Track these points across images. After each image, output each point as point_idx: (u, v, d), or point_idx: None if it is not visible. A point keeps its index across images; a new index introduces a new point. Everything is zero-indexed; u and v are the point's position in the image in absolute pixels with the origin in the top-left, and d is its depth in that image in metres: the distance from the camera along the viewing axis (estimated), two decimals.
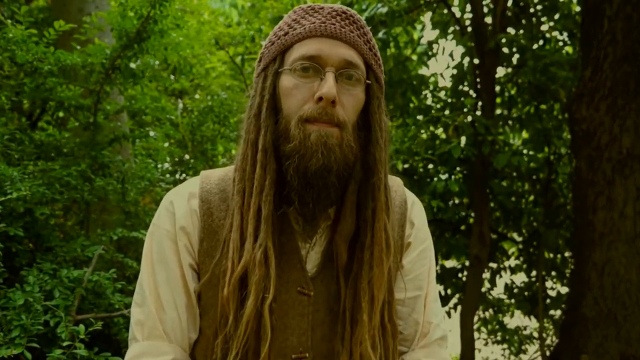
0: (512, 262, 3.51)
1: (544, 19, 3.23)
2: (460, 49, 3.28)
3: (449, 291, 3.30)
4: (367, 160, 0.76)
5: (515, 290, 3.43)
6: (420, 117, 3.11)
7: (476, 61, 3.06)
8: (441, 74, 3.44)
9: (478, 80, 3.06)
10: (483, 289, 3.33)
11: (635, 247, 2.42)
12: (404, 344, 0.86)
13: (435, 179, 2.92)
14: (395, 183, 0.88)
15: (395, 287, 0.83)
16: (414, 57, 3.53)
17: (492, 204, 3.21)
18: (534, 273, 3.36)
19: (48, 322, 1.42)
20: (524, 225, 3.31)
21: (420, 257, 0.86)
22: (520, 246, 3.45)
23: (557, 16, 3.18)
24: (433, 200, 2.66)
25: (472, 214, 3.11)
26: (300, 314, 0.77)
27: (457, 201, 3.20)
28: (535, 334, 3.48)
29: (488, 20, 3.09)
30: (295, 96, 0.74)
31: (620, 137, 2.47)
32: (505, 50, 3.07)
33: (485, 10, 3.08)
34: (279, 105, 0.76)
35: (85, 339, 1.34)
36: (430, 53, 3.46)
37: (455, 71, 3.28)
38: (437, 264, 3.26)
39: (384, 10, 2.73)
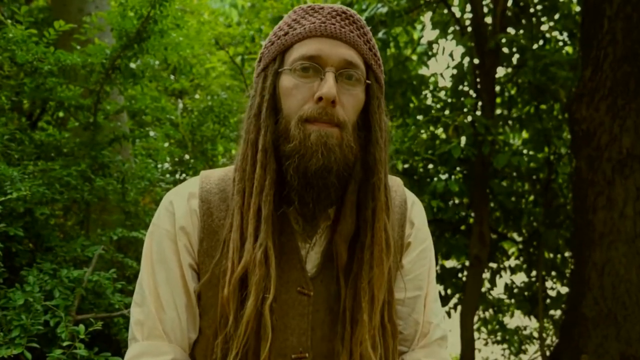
0: (512, 262, 3.51)
1: (544, 19, 3.23)
2: (460, 49, 3.28)
3: (449, 291, 3.30)
4: (367, 160, 0.76)
5: (515, 290, 3.43)
6: (420, 117, 3.10)
7: (476, 61, 3.06)
8: (441, 74, 3.44)
9: (478, 80, 3.06)
10: (483, 289, 3.33)
11: (635, 247, 2.42)
12: (404, 344, 0.86)
13: (435, 179, 2.91)
14: (395, 183, 0.88)
15: (395, 287, 0.83)
16: (414, 57, 3.52)
17: (492, 204, 3.21)
18: (534, 273, 3.36)
19: (48, 322, 1.42)
20: (524, 225, 3.30)
21: (420, 257, 0.86)
22: (520, 246, 3.45)
23: (557, 16, 3.17)
24: (433, 200, 2.66)
25: (472, 214, 3.11)
26: (300, 314, 0.77)
27: (457, 201, 3.19)
28: (535, 334, 3.47)
29: (488, 20, 3.09)
30: (295, 96, 0.74)
31: (620, 137, 2.47)
32: (505, 50, 3.07)
33: (485, 10, 3.08)
34: (279, 105, 0.76)
35: (85, 339, 1.34)
36: (430, 53, 3.45)
37: (455, 71, 3.28)
38: (437, 264, 3.25)
39: (384, 10, 2.72)
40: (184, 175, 2.73)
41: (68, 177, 1.81)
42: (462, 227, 3.26)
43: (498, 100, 3.23)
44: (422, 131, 2.98)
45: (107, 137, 2.13)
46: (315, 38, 0.75)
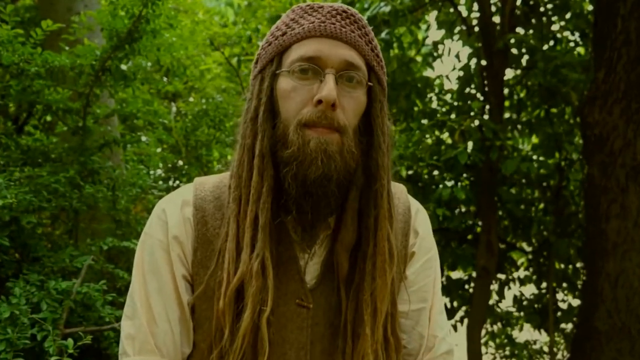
0: (522, 273, 3.44)
1: (554, 18, 3.18)
2: (467, 50, 3.22)
3: (455, 303, 3.24)
4: (369, 166, 0.75)
5: (525, 303, 3.37)
6: (425, 121, 3.06)
7: (484, 63, 3.00)
8: (447, 76, 3.38)
9: (486, 82, 3.00)
10: (491, 301, 3.27)
11: None
12: (408, 358, 0.84)
13: (441, 186, 2.87)
14: (399, 190, 0.86)
15: (399, 299, 0.81)
16: (419, 59, 3.48)
17: (500, 212, 3.16)
18: (544, 284, 3.30)
19: (35, 335, 1.39)
20: (534, 234, 3.24)
21: (424, 268, 0.84)
22: (530, 256, 3.39)
23: (568, 15, 3.12)
24: (438, 208, 2.60)
25: (480, 223, 3.06)
26: (299, 327, 0.75)
27: (463, 209, 3.14)
28: (546, 349, 3.41)
29: (496, 19, 3.03)
30: (294, 99, 0.72)
31: (635, 142, 2.41)
32: (514, 51, 3.01)
33: (493, 9, 3.03)
34: (276, 108, 0.74)
35: (74, 353, 1.31)
36: (435, 54, 3.40)
37: (461, 73, 3.22)
38: (442, 274, 3.20)
39: (387, 9, 2.70)
40: (177, 182, 2.72)
41: (56, 184, 1.77)
42: (469, 237, 3.21)
43: (506, 103, 3.18)
44: (427, 136, 2.93)
45: (96, 142, 2.09)
46: (314, 38, 0.73)
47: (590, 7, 3.11)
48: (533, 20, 3.11)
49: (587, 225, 2.62)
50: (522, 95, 3.35)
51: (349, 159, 0.71)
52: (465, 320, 3.14)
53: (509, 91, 3.23)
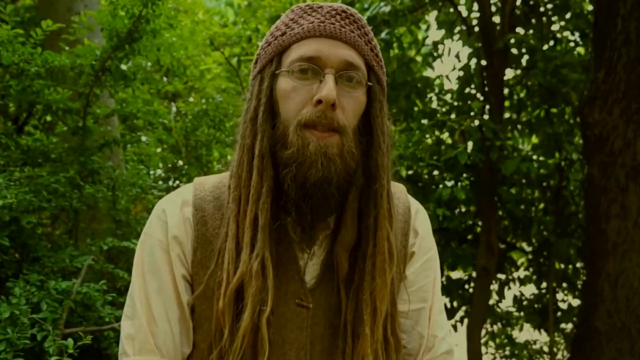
0: (522, 273, 3.43)
1: (554, 18, 3.17)
2: (467, 50, 3.21)
3: (455, 303, 3.23)
4: (369, 166, 0.75)
5: (525, 303, 3.36)
6: (425, 121, 3.05)
7: (484, 63, 3.00)
8: (447, 76, 3.37)
9: (486, 82, 3.00)
10: (491, 301, 3.26)
11: None
12: (408, 358, 0.84)
13: (441, 186, 2.86)
14: (399, 190, 0.86)
15: (399, 299, 0.81)
16: (419, 59, 3.47)
17: (500, 212, 3.15)
18: (544, 284, 3.29)
19: (35, 335, 1.39)
20: (534, 234, 3.23)
21: (424, 268, 0.84)
22: (530, 256, 3.38)
23: (568, 15, 3.12)
24: (438, 208, 2.59)
25: (480, 223, 3.05)
26: (299, 327, 0.75)
27: (463, 209, 3.13)
28: (546, 349, 3.40)
29: (496, 19, 3.02)
30: (294, 99, 0.72)
31: (635, 142, 2.41)
32: (514, 51, 3.01)
33: (493, 9, 3.02)
34: (276, 108, 0.74)
35: (74, 353, 1.30)
36: (435, 54, 3.39)
37: (461, 73, 3.21)
38: (442, 274, 3.19)
39: (387, 9, 2.69)
40: (177, 182, 2.70)
41: (56, 184, 1.77)
42: (469, 237, 3.20)
43: (506, 103, 3.17)
44: (427, 136, 2.92)
45: (96, 142, 2.08)
46: (314, 38, 0.73)
47: (590, 7, 3.10)
48: (533, 20, 3.10)
49: (587, 225, 2.62)
50: (522, 95, 3.34)
51: (349, 160, 0.71)
52: (465, 320, 3.14)
53: (509, 91, 3.22)
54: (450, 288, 3.21)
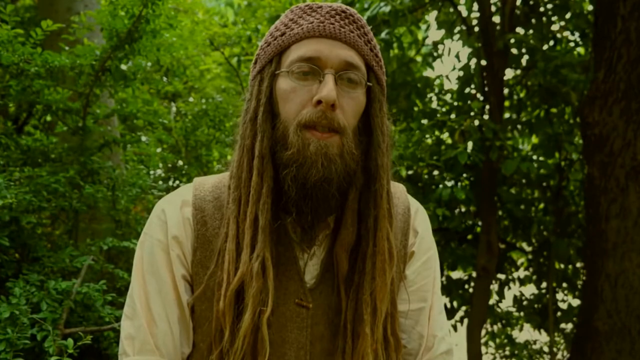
0: (522, 273, 3.43)
1: (554, 18, 3.16)
2: (467, 50, 3.21)
3: (455, 303, 3.22)
4: (369, 166, 0.75)
5: (525, 303, 3.35)
6: (425, 121, 3.04)
7: (484, 63, 2.99)
8: (447, 76, 3.37)
9: (486, 82, 2.99)
10: (491, 301, 3.25)
11: None
12: (408, 358, 0.84)
13: (441, 186, 2.84)
14: (398, 190, 0.86)
15: (399, 299, 0.81)
16: (419, 59, 3.47)
17: (500, 212, 3.14)
18: (544, 284, 3.28)
19: (35, 336, 1.39)
20: (534, 234, 3.22)
21: (424, 267, 0.84)
22: (530, 256, 3.37)
23: (568, 15, 3.10)
24: (438, 208, 2.58)
25: (480, 223, 3.04)
26: (299, 327, 0.75)
27: (463, 209, 3.12)
28: (546, 349, 3.39)
29: (496, 19, 3.01)
30: (293, 100, 0.72)
31: (635, 142, 2.40)
32: (514, 51, 3.00)
33: (493, 9, 3.01)
34: (276, 109, 0.74)
35: (74, 353, 1.30)
36: (435, 54, 3.39)
37: (461, 73, 3.20)
38: (442, 274, 3.18)
39: (387, 9, 2.68)
40: (177, 182, 2.69)
41: (56, 184, 1.76)
42: (469, 237, 3.19)
43: (506, 103, 3.17)
44: (427, 136, 2.91)
45: (96, 142, 2.08)
46: (313, 39, 0.73)
47: (590, 7, 3.09)
48: (533, 20, 3.09)
49: (587, 226, 2.61)
50: (522, 95, 3.34)
51: (349, 160, 0.71)
52: (465, 320, 3.13)
53: (509, 91, 3.21)
54: (450, 288, 3.20)
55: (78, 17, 2.05)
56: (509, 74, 3.22)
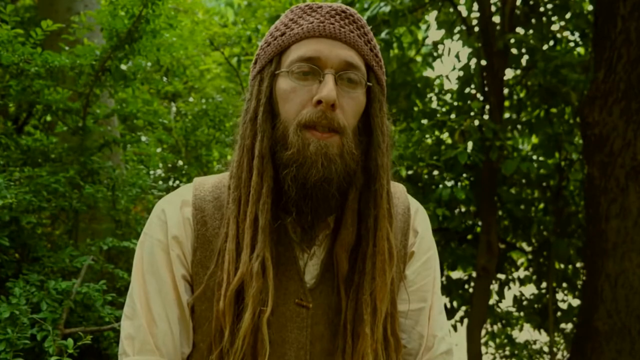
0: (522, 273, 3.43)
1: (554, 18, 3.16)
2: (467, 50, 3.21)
3: (455, 303, 3.22)
4: (369, 166, 0.75)
5: (525, 303, 3.35)
6: (425, 121, 3.04)
7: (484, 63, 2.99)
8: (447, 76, 3.37)
9: (485, 82, 2.99)
10: (491, 301, 3.24)
11: None
12: (408, 358, 0.84)
13: (441, 186, 2.84)
14: (398, 189, 0.86)
15: (399, 299, 0.81)
16: (419, 59, 3.47)
17: (500, 212, 3.14)
18: (544, 284, 3.28)
19: (35, 335, 1.39)
20: (534, 234, 3.22)
21: (424, 267, 0.84)
22: (530, 256, 3.36)
23: (568, 15, 3.10)
24: (438, 208, 2.58)
25: (480, 223, 3.04)
26: (299, 327, 0.75)
27: (463, 209, 3.12)
28: (546, 349, 3.38)
29: (496, 19, 3.01)
30: (293, 100, 0.72)
31: (635, 142, 2.40)
32: (514, 51, 3.00)
33: (493, 9, 3.01)
34: (276, 109, 0.74)
35: (74, 353, 1.30)
36: (435, 54, 3.39)
37: (461, 73, 3.20)
38: (442, 274, 3.18)
39: (387, 9, 2.68)
40: (177, 182, 2.69)
41: (56, 184, 1.76)
42: (469, 237, 3.19)
43: (506, 103, 3.17)
44: (427, 136, 2.91)
45: (96, 142, 2.08)
46: (313, 39, 0.73)
47: (590, 7, 3.09)
48: (533, 20, 3.09)
49: (587, 226, 2.61)
50: (522, 95, 3.33)
51: (349, 160, 0.71)
52: (465, 320, 3.13)
53: (509, 91, 3.21)
54: (450, 288, 3.20)
55: (78, 17, 2.05)
56: (509, 74, 3.22)
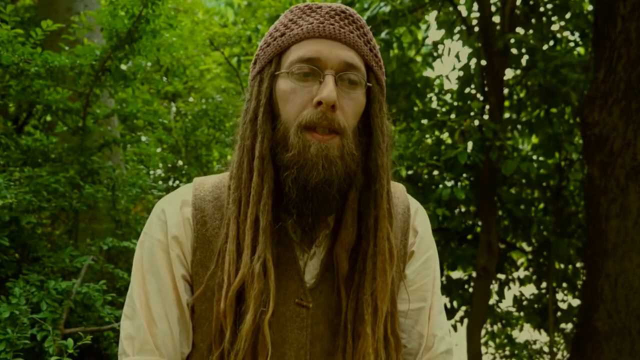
0: (521, 273, 3.43)
1: (554, 18, 3.16)
2: (467, 50, 3.21)
3: (455, 303, 3.22)
4: (369, 166, 0.75)
5: (525, 303, 3.35)
6: (424, 121, 3.04)
7: (484, 63, 2.99)
8: (447, 76, 3.37)
9: (485, 82, 2.99)
10: (491, 301, 3.24)
11: None
12: (408, 357, 0.84)
13: (441, 186, 2.85)
14: (398, 189, 0.86)
15: (399, 298, 0.81)
16: (419, 59, 3.47)
17: (500, 212, 3.14)
18: (544, 284, 3.28)
19: (35, 336, 1.39)
20: (534, 234, 3.22)
21: (424, 267, 0.84)
22: (530, 256, 3.37)
23: (568, 15, 3.11)
24: (438, 208, 2.58)
25: (480, 223, 3.04)
26: (299, 327, 0.75)
27: (463, 209, 3.12)
28: (546, 349, 3.39)
29: (496, 19, 3.01)
30: (294, 101, 0.72)
31: (635, 142, 2.40)
32: (514, 51, 3.00)
33: (493, 9, 3.01)
34: (276, 110, 0.74)
35: (74, 353, 1.30)
36: (435, 54, 3.39)
37: (461, 73, 3.20)
38: (442, 274, 3.18)
39: (387, 9, 2.68)
40: (177, 182, 2.70)
41: (56, 184, 1.76)
42: (469, 237, 3.19)
43: (506, 103, 3.17)
44: (427, 136, 2.91)
45: (96, 142, 2.08)
46: (313, 39, 0.73)
47: (590, 7, 3.09)
48: (533, 20, 3.09)
49: (587, 226, 2.61)
50: (522, 95, 3.34)
51: (350, 162, 0.71)
52: (465, 320, 3.13)
53: (509, 91, 3.21)
54: (450, 288, 3.20)
55: (78, 17, 2.05)
56: (509, 74, 3.22)
